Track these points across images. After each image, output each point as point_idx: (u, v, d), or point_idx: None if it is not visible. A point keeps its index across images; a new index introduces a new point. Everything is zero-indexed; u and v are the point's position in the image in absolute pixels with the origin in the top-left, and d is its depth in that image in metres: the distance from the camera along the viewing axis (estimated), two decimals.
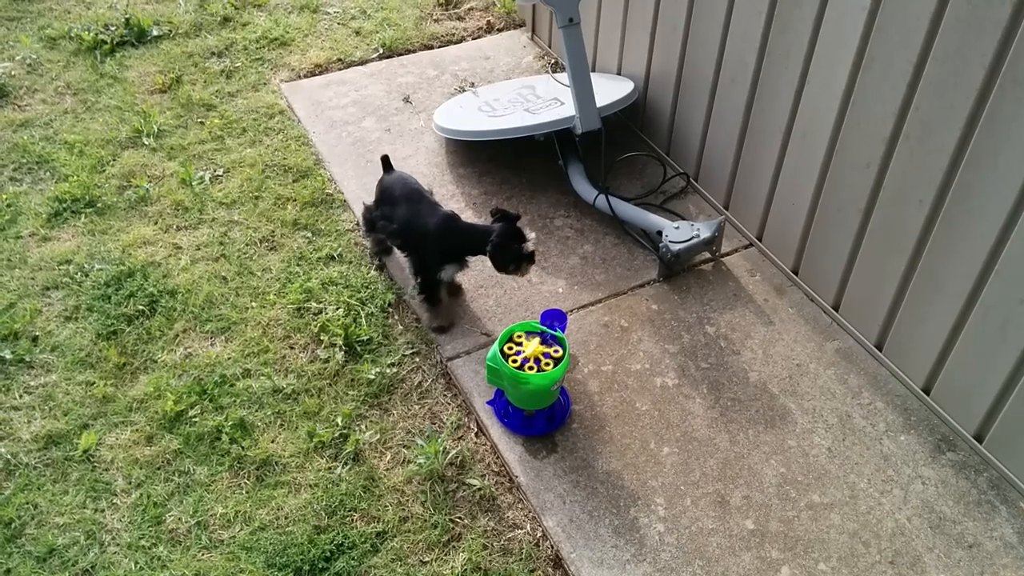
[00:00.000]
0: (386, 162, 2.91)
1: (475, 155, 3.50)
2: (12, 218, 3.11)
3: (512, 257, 2.55)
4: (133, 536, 2.19)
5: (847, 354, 2.67)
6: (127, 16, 4.13)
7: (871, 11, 2.29)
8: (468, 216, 3.20)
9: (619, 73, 3.62)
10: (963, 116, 2.12)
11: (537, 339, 2.41)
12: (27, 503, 2.26)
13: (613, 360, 2.65)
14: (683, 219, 3.11)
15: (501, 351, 2.37)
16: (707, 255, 3.03)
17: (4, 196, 3.18)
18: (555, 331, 2.44)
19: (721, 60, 2.94)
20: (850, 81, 2.44)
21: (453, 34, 4.30)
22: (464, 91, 3.85)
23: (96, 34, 4.04)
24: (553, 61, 4.06)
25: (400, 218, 2.73)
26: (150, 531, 2.21)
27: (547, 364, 2.34)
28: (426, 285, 2.72)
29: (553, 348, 2.40)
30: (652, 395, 2.54)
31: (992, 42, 2.00)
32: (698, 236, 2.91)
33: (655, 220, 3.04)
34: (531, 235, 2.57)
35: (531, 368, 2.33)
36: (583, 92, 3.05)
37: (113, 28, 4.10)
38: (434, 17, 4.40)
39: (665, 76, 3.29)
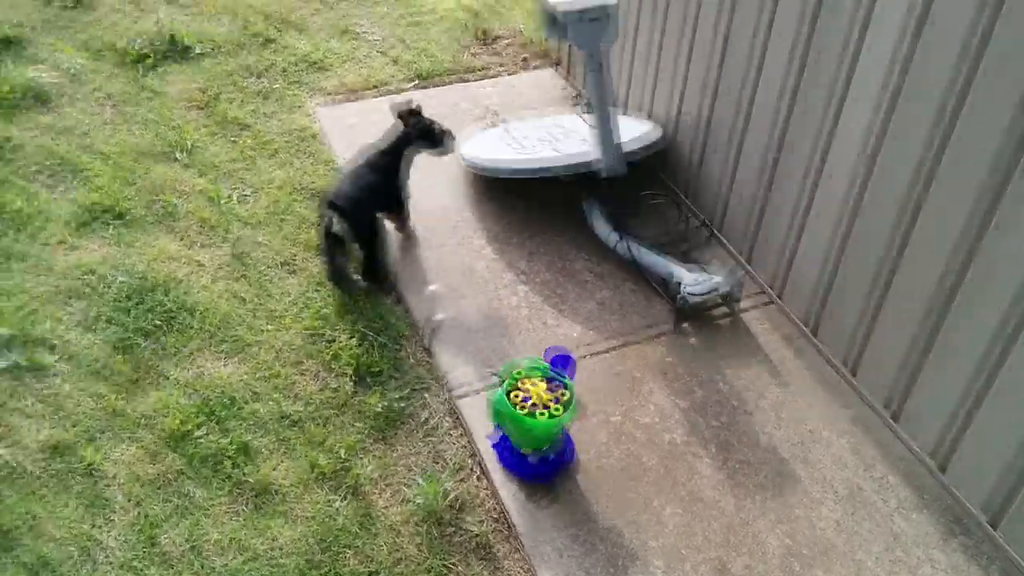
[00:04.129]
0: None
1: (499, 189, 3.50)
2: (42, 224, 3.17)
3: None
4: (126, 555, 2.20)
5: (862, 422, 2.61)
6: (172, 32, 4.21)
7: (901, 70, 2.27)
8: (489, 251, 3.21)
9: (648, 117, 3.61)
10: (986, 185, 2.09)
11: (544, 383, 2.39)
12: (26, 512, 2.27)
13: (623, 410, 2.62)
14: (702, 269, 3.08)
15: (507, 395, 2.35)
16: (725, 308, 2.99)
17: (36, 202, 3.24)
18: (562, 376, 2.42)
19: (750, 110, 2.93)
20: (876, 142, 2.41)
21: (488, 68, 4.33)
22: (494, 125, 3.87)
23: (140, 48, 4.13)
24: (585, 101, 4.07)
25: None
26: (143, 551, 2.21)
27: (557, 409, 2.32)
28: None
29: (560, 392, 2.37)
30: (660, 450, 2.50)
31: (1008, 109, 1.97)
32: (716, 288, 2.88)
33: (674, 268, 3.01)
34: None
35: (542, 414, 2.30)
36: (608, 135, 3.05)
37: (157, 43, 4.18)
38: (471, 50, 4.44)
39: (693, 122, 3.28)
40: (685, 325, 2.92)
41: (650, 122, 3.57)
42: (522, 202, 3.45)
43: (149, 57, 4.10)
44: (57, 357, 2.71)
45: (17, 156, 3.47)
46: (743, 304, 3.00)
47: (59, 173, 3.43)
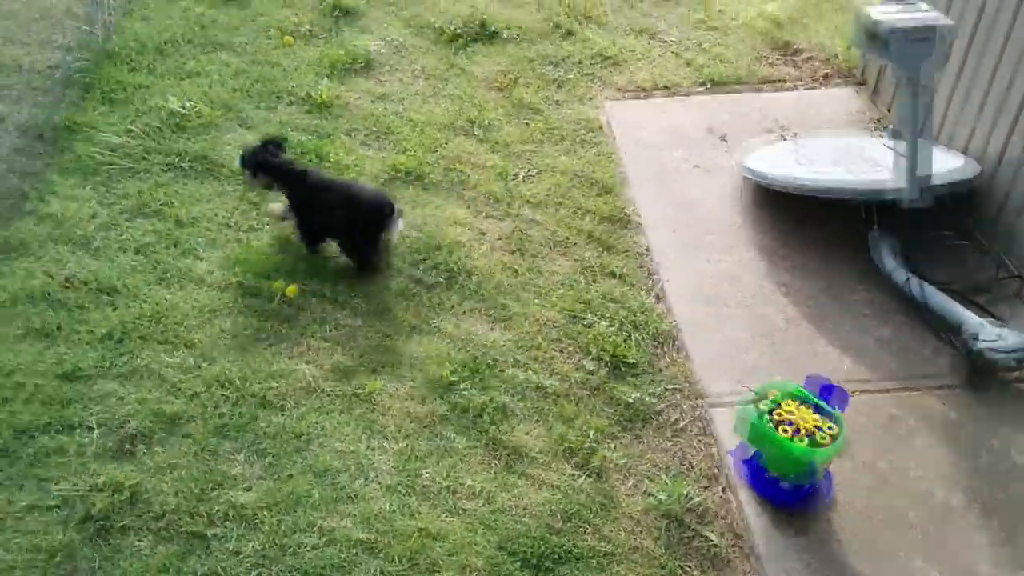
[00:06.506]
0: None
1: (775, 202, 3.39)
2: (355, 176, 3.55)
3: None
4: (393, 480, 2.42)
5: None
6: (484, 17, 4.52)
7: None
8: (757, 263, 3.12)
9: (965, 151, 3.30)
10: None
11: (812, 411, 2.29)
12: (317, 423, 2.58)
13: (891, 459, 2.44)
14: (1002, 325, 2.77)
15: (771, 415, 2.28)
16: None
17: (354, 157, 3.64)
18: (832, 408, 2.30)
19: None
20: None
21: (784, 80, 4.19)
22: (784, 139, 3.74)
23: (455, 29, 4.47)
24: (887, 126, 3.81)
25: None
26: (407, 480, 2.42)
27: (823, 438, 2.21)
28: None
29: (828, 425, 2.26)
30: (929, 510, 2.30)
31: None
32: (1022, 348, 2.58)
33: (970, 318, 2.74)
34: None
35: (802, 440, 2.21)
36: (915, 164, 2.83)
37: (470, 25, 4.50)
38: (769, 61, 4.32)
39: (1017, 162, 2.95)
40: (975, 382, 2.65)
41: (964, 156, 3.27)
42: (798, 217, 3.31)
43: (461, 38, 4.43)
44: (355, 294, 3.03)
45: (344, 114, 3.91)
46: None
47: (375, 133, 3.81)
